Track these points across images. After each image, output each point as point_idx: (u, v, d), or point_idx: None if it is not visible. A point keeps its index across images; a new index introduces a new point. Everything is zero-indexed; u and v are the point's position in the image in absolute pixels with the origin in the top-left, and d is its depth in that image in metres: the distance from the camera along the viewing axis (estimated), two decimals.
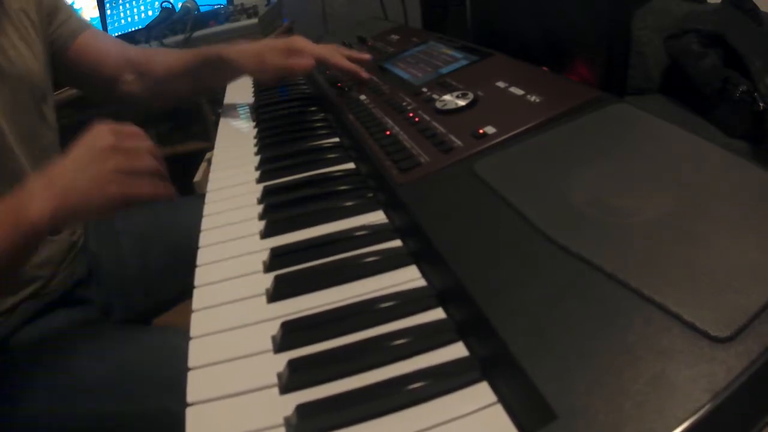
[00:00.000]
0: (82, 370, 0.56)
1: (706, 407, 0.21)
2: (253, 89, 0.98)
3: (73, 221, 0.55)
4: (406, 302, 0.35)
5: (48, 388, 0.56)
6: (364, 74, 0.74)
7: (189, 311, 0.38)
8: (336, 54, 0.76)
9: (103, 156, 0.50)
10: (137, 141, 0.53)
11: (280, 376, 0.31)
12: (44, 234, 0.47)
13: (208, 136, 1.54)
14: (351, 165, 0.57)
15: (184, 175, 1.18)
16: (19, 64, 0.69)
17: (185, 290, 0.42)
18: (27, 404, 0.56)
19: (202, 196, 0.59)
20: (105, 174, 0.48)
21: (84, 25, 0.79)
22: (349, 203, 0.48)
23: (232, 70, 0.79)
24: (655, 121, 0.40)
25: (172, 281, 0.76)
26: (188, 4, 1.54)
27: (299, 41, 0.76)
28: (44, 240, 0.50)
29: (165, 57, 0.82)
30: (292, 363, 0.31)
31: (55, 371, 0.56)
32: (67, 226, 0.52)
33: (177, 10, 1.55)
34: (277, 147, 0.66)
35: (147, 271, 0.76)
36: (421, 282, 0.37)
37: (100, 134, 0.51)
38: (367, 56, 0.79)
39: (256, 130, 0.75)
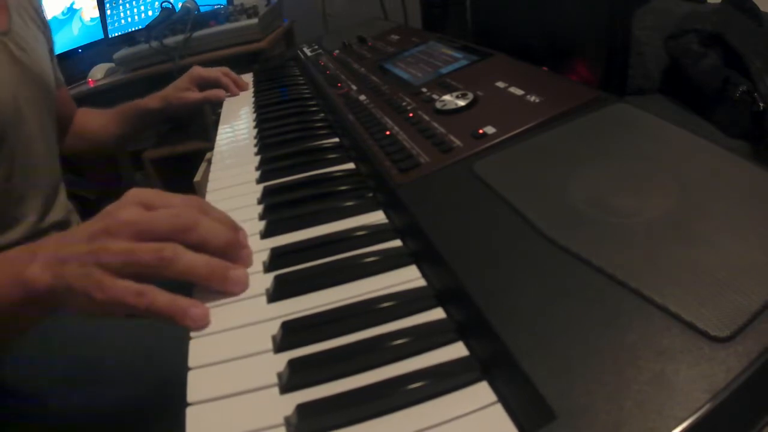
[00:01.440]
0: (90, 361, 0.57)
1: (706, 407, 0.21)
2: (252, 89, 0.99)
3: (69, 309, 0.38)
4: (406, 302, 0.35)
5: (52, 375, 0.56)
6: (233, 89, 0.97)
7: None
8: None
9: (99, 236, 0.37)
10: (177, 218, 0.37)
11: (280, 375, 0.31)
12: (42, 301, 0.37)
13: (208, 136, 1.54)
14: (351, 165, 0.57)
15: (184, 175, 1.18)
16: (37, 63, 0.73)
17: None
18: (30, 398, 0.56)
19: None
20: (88, 261, 0.36)
21: (62, 79, 0.90)
22: (348, 203, 0.48)
23: (144, 112, 0.95)
24: (655, 121, 0.40)
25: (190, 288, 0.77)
26: (188, 4, 1.54)
27: (195, 70, 0.96)
28: (48, 312, 0.40)
29: (95, 118, 0.97)
30: (292, 363, 0.31)
31: (63, 363, 0.57)
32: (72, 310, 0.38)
33: (177, 10, 1.55)
34: (277, 147, 0.66)
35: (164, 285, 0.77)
36: (421, 282, 0.37)
37: (123, 203, 0.39)
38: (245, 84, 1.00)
39: (256, 131, 0.75)
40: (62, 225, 0.77)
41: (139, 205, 0.39)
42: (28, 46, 0.73)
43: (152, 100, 0.95)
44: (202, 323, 0.36)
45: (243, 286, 0.39)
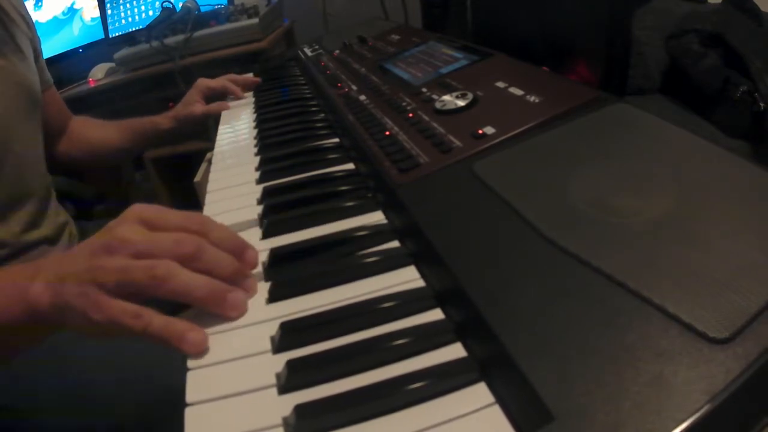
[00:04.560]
0: (82, 378, 0.57)
1: (705, 409, 0.21)
2: (253, 90, 0.98)
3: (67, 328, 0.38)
4: (405, 303, 0.34)
5: (48, 394, 0.56)
6: (240, 93, 0.96)
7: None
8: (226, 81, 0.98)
9: (97, 253, 0.36)
10: (177, 243, 0.36)
11: (278, 376, 0.31)
12: (44, 320, 0.37)
13: (208, 136, 1.54)
14: (351, 165, 0.57)
15: (185, 175, 1.18)
16: (19, 67, 0.71)
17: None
18: (28, 412, 0.56)
19: None
20: (85, 279, 0.35)
21: (51, 80, 0.87)
22: (348, 204, 0.48)
23: (155, 132, 0.94)
24: (655, 121, 0.40)
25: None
26: (189, 4, 1.54)
27: (201, 82, 0.95)
28: (51, 331, 0.40)
29: (97, 130, 0.95)
30: (290, 363, 0.31)
31: (55, 380, 0.57)
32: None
33: (177, 10, 1.55)
34: (277, 147, 0.66)
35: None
36: (420, 283, 0.37)
37: (124, 219, 0.38)
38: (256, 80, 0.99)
39: (256, 131, 0.75)
40: (55, 233, 0.75)
41: (141, 222, 0.37)
42: (10, 49, 0.71)
43: (163, 120, 0.94)
44: (199, 349, 0.34)
45: (241, 310, 0.36)
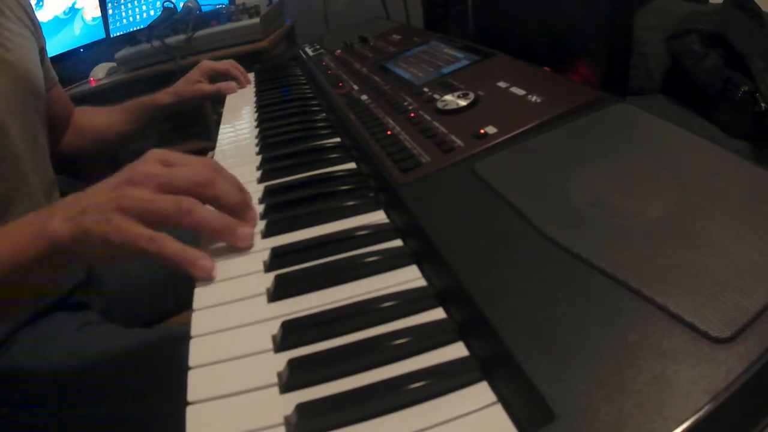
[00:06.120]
0: (83, 370, 0.57)
1: (706, 408, 0.21)
2: (254, 89, 0.99)
3: (83, 258, 0.43)
4: (407, 302, 0.35)
5: (49, 390, 0.56)
6: (242, 80, 0.99)
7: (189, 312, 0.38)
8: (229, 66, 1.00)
9: (121, 185, 0.40)
10: (193, 177, 0.41)
11: (280, 375, 0.31)
12: (65, 251, 0.40)
13: (209, 135, 1.55)
14: (352, 165, 0.57)
15: None
16: (22, 62, 0.72)
17: (188, 301, 0.39)
18: (29, 407, 0.56)
19: None
20: (108, 207, 0.38)
21: (56, 78, 0.88)
22: (350, 203, 0.48)
23: (155, 107, 0.95)
24: (657, 121, 0.40)
25: (175, 293, 0.77)
26: (190, 4, 1.54)
27: (205, 63, 0.98)
28: (73, 263, 0.44)
29: (98, 116, 0.96)
30: (292, 362, 0.31)
31: (56, 373, 0.57)
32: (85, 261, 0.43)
33: (179, 10, 1.55)
34: (279, 147, 0.66)
35: (153, 285, 0.77)
36: (422, 282, 0.37)
37: (144, 159, 0.43)
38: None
39: (257, 130, 0.75)
40: None
41: (159, 161, 0.42)
42: (13, 44, 0.72)
43: (163, 96, 0.95)
44: (208, 274, 0.39)
45: (249, 242, 0.43)
